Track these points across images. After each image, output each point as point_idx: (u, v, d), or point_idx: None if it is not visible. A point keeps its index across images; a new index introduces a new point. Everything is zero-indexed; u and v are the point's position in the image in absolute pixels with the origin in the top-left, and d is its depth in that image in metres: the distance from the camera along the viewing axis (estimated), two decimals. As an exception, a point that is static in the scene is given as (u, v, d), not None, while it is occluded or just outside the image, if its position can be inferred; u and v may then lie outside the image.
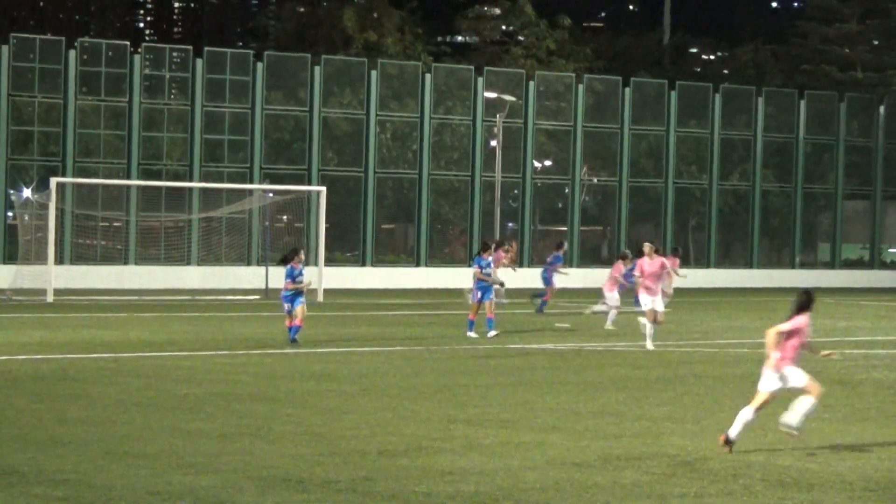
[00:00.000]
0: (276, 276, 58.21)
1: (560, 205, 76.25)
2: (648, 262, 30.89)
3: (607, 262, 73.09)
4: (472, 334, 35.22)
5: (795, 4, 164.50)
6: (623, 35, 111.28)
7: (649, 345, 30.78)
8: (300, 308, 31.18)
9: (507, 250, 49.93)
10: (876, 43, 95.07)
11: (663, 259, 31.20)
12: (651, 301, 30.85)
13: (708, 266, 76.79)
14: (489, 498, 13.52)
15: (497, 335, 34.49)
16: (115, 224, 62.25)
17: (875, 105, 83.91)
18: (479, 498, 13.50)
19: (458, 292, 48.76)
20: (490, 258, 36.75)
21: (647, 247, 31.24)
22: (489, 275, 35.97)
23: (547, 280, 48.43)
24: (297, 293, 31.34)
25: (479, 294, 35.53)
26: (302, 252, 32.98)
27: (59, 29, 78.22)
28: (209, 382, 24.35)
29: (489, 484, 14.30)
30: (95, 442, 16.91)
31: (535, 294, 48.68)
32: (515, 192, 73.45)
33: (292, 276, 31.58)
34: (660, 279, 31.22)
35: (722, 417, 20.08)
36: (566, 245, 55.83)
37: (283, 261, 32.82)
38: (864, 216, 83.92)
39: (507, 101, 70.99)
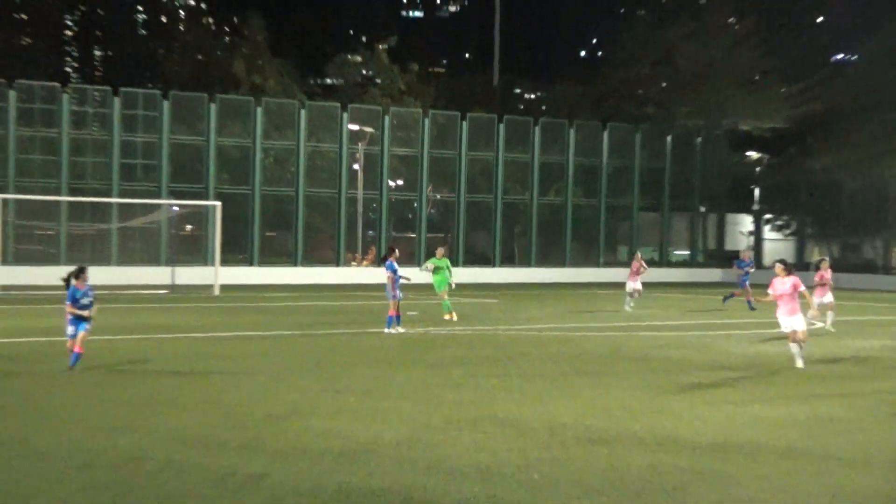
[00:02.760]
0: (181, 274, 58.80)
1: (410, 216, 75.92)
2: (780, 282, 24.96)
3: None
4: (391, 330, 32.11)
5: (600, 53, 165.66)
6: (461, 78, 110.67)
7: (799, 363, 24.58)
8: (82, 334, 22.46)
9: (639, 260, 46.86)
10: (664, 85, 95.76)
11: (797, 278, 24.98)
12: (790, 322, 24.85)
13: (530, 265, 77.27)
14: (353, 452, 13.87)
15: (396, 332, 31.90)
16: (49, 232, 61.08)
17: (664, 135, 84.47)
18: (346, 452, 13.87)
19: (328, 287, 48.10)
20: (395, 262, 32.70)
21: (778, 267, 25.34)
22: (400, 277, 32.56)
23: (742, 284, 46.14)
24: (82, 318, 22.57)
25: (398, 293, 32.59)
26: (85, 272, 23.07)
27: (0, 72, 77.33)
28: (126, 361, 23.93)
29: (354, 441, 14.62)
30: (31, 410, 17.05)
31: (726, 296, 47.74)
32: (374, 205, 73.40)
33: (74, 299, 22.54)
34: (794, 299, 24.83)
35: (541, 386, 20.65)
36: (750, 253, 53.91)
37: (66, 281, 22.84)
38: (655, 225, 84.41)
39: (367, 132, 71.51)
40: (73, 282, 22.65)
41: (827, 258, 36.72)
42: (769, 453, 14.43)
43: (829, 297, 34.89)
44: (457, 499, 11.68)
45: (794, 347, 24.92)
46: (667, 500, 11.81)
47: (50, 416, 16.46)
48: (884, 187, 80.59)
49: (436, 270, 37.47)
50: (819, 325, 34.73)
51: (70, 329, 22.45)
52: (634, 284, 45.46)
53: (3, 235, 53.77)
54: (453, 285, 38.03)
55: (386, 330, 32.34)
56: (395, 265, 32.79)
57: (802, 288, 24.61)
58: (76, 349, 22.36)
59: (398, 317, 32.86)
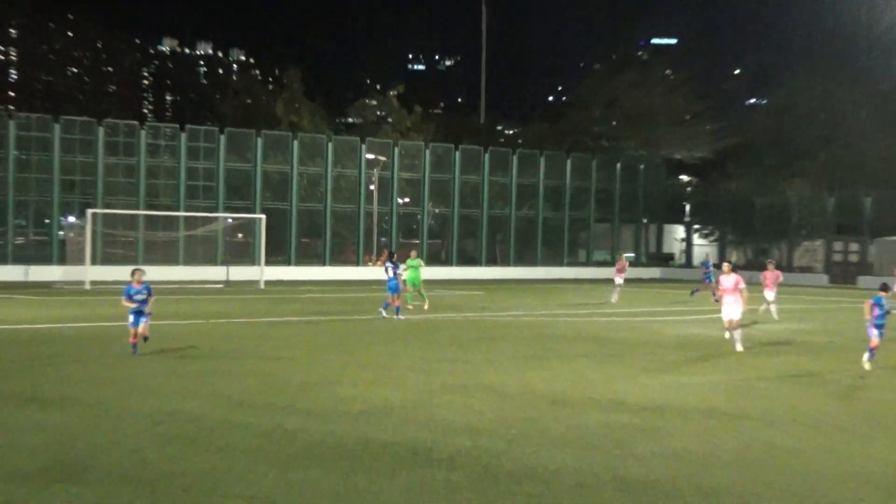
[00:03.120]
0: (234, 272, 58.77)
1: (414, 226, 75.41)
2: (726, 279, 24.06)
3: (445, 263, 74.58)
4: (400, 316, 32.03)
5: (564, 99, 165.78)
6: (454, 117, 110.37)
7: (739, 347, 23.66)
8: (143, 326, 20.87)
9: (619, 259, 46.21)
10: (614, 123, 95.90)
11: (739, 276, 23.97)
12: (728, 311, 24.04)
13: (509, 265, 77.18)
14: (370, 413, 13.92)
15: (387, 317, 31.64)
16: (130, 239, 61.12)
17: (614, 163, 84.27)
18: (364, 413, 13.91)
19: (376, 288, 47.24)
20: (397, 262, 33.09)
21: (725, 266, 24.25)
22: (399, 275, 32.90)
23: (707, 279, 45.70)
24: (140, 312, 20.80)
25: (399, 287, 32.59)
26: (140, 272, 21.28)
27: (91, 113, 77.45)
28: (189, 341, 23.65)
29: (370, 403, 14.68)
30: (114, 380, 16.91)
31: (694, 290, 47.65)
32: (386, 218, 73.17)
33: (128, 295, 20.69)
34: (737, 292, 23.84)
35: (518, 360, 20.57)
36: (709, 255, 52.53)
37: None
38: (607, 234, 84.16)
39: (380, 160, 71.58)
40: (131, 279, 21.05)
41: (774, 261, 36.54)
42: (697, 413, 14.50)
43: (771, 294, 34.76)
44: (451, 449, 11.71)
45: (727, 334, 24.92)
46: (617, 449, 11.85)
47: (129, 385, 16.41)
48: (786, 203, 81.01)
49: (409, 269, 37.32)
50: (762, 311, 35.00)
51: (131, 318, 20.80)
52: (619, 281, 45.34)
53: (93, 241, 53.52)
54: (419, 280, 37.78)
55: (395, 316, 32.10)
56: (398, 265, 33.00)
57: (742, 285, 23.99)
58: (133, 340, 20.82)
59: (389, 306, 32.64)
